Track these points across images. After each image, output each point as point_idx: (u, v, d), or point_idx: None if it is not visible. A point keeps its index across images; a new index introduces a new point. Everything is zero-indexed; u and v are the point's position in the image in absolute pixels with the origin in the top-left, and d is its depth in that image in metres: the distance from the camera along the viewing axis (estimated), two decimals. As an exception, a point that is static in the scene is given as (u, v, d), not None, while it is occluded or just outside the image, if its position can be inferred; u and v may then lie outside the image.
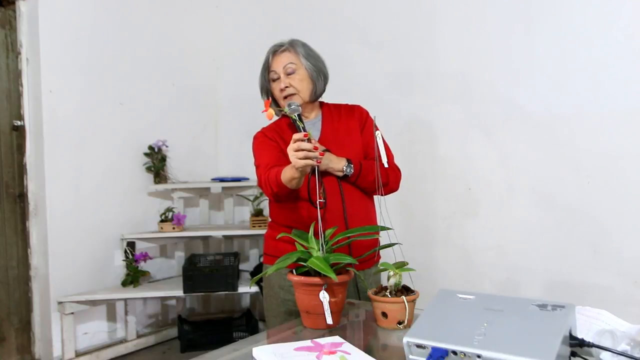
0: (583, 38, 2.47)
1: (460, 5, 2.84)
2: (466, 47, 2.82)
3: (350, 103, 1.95)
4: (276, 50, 1.82)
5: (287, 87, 1.79)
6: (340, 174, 1.75)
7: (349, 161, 1.75)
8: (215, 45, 3.97)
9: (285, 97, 1.80)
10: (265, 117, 1.60)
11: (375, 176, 1.71)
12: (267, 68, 1.84)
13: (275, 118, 1.72)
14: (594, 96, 2.45)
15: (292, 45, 1.82)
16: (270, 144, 1.81)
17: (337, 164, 1.74)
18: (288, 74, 1.79)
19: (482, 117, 2.78)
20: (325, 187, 1.74)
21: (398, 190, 1.87)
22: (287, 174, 1.60)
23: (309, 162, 1.48)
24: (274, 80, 1.83)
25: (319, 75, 1.82)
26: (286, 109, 1.69)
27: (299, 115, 1.68)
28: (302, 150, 1.47)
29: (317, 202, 1.56)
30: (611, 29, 2.40)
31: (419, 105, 2.99)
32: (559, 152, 2.56)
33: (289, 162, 1.58)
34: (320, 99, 1.93)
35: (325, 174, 1.75)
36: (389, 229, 1.61)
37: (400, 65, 3.06)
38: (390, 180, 1.81)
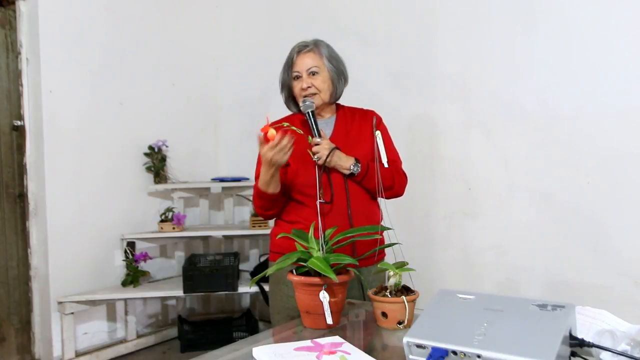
0: (583, 38, 2.47)
1: (460, 6, 2.83)
2: (466, 47, 2.82)
3: (364, 107, 1.98)
4: (301, 49, 1.85)
5: (309, 87, 1.82)
6: (347, 171, 1.78)
7: (357, 160, 1.78)
8: (215, 45, 3.96)
9: (306, 97, 1.82)
10: (268, 137, 1.60)
11: (381, 178, 1.73)
12: (290, 66, 1.86)
13: (274, 134, 1.69)
14: (594, 96, 2.45)
15: (317, 46, 1.85)
16: None
17: (345, 162, 1.78)
18: (311, 75, 1.82)
19: (482, 117, 2.78)
20: (332, 184, 1.77)
21: (403, 195, 1.89)
22: (262, 176, 1.68)
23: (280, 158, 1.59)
24: (295, 79, 1.85)
25: (340, 77, 1.87)
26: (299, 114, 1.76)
27: (312, 112, 1.76)
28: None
29: (317, 203, 1.57)
30: (611, 29, 2.40)
31: (419, 105, 2.99)
32: (559, 152, 2.56)
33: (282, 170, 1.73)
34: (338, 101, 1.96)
35: (332, 171, 1.78)
36: (389, 229, 1.62)
37: (400, 66, 3.06)
38: (396, 183, 1.84)
